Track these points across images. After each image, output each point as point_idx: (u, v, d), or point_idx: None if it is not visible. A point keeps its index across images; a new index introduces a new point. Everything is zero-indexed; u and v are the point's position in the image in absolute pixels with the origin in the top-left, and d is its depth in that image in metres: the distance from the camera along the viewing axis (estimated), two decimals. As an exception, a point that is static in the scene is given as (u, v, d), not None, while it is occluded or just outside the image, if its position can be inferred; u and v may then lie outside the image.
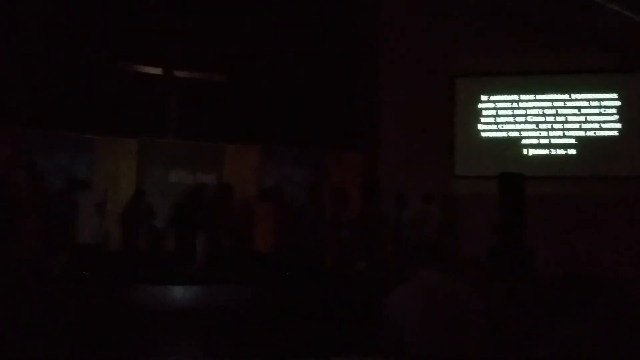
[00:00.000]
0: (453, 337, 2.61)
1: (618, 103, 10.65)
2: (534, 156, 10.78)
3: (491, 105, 11.08)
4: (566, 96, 10.83)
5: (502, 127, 11.01)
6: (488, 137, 11.06)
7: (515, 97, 11.02)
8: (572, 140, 10.78)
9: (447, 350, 2.59)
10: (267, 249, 8.69)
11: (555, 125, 10.85)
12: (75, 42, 9.78)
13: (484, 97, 11.12)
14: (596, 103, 10.73)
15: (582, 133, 10.76)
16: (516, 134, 10.97)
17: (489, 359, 2.79)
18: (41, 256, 7.60)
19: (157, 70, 9.93)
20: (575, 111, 10.80)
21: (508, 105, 11.03)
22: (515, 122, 10.98)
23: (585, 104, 10.78)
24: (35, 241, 7.65)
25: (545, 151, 10.83)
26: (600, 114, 10.71)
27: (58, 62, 9.66)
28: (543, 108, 10.90)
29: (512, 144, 10.93)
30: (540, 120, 10.89)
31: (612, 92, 10.68)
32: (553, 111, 10.87)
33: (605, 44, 10.40)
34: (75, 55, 9.80)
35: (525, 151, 10.86)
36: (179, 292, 7.22)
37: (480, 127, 11.06)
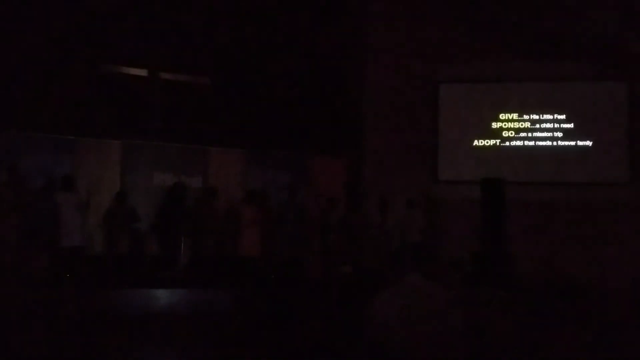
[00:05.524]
0: (435, 342, 2.65)
1: (595, 111, 10.85)
2: (515, 162, 10.92)
3: (473, 111, 11.21)
4: (547, 103, 11.01)
5: (485, 132, 11.14)
6: (470, 142, 11.18)
7: (497, 103, 11.17)
8: (552, 147, 10.95)
9: (428, 355, 2.62)
10: (252, 253, 8.67)
11: (536, 132, 11.02)
12: (59, 43, 9.69)
13: (466, 103, 11.25)
14: (574, 111, 10.92)
15: (561, 140, 10.93)
16: (498, 139, 11.11)
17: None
18: (22, 258, 7.52)
19: (142, 72, 9.87)
20: (555, 117, 10.98)
21: (490, 111, 11.17)
22: (497, 128, 11.13)
23: (565, 111, 10.96)
24: (16, 243, 7.56)
25: (526, 157, 10.98)
26: (578, 121, 10.90)
27: (41, 63, 9.55)
28: (524, 114, 11.07)
29: (494, 150, 11.08)
30: (521, 127, 11.06)
31: (590, 100, 10.88)
32: (534, 117, 11.04)
33: (584, 54, 10.59)
34: (59, 56, 9.70)
35: (506, 157, 11.00)
36: (162, 296, 7.19)
37: (462, 132, 11.18)
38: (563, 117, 10.95)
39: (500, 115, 11.12)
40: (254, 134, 10.50)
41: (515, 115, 11.08)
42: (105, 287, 7.19)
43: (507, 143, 11.07)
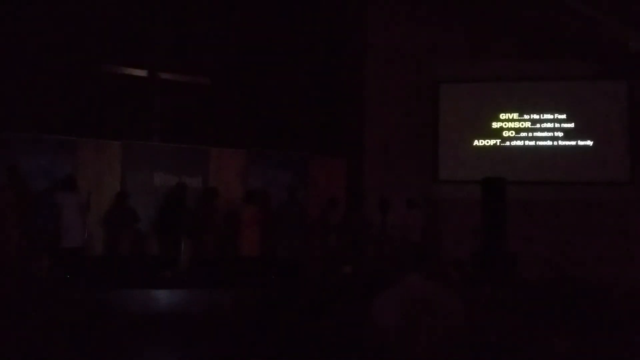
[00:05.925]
0: (435, 342, 2.65)
1: (597, 110, 10.85)
2: (515, 162, 10.93)
3: (474, 110, 11.22)
4: (547, 102, 11.01)
5: (485, 132, 11.15)
6: (471, 142, 11.18)
7: (497, 103, 11.17)
8: (552, 146, 10.96)
9: (429, 355, 2.62)
10: (252, 253, 8.67)
11: (536, 132, 11.02)
12: (59, 44, 9.69)
13: (467, 103, 11.25)
14: (576, 110, 10.92)
15: (562, 140, 10.93)
16: (498, 139, 11.12)
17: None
18: (23, 259, 7.53)
19: (142, 73, 9.87)
20: (556, 117, 10.98)
21: (490, 111, 11.18)
22: (497, 128, 11.13)
23: (565, 110, 10.97)
24: (17, 244, 7.56)
25: (526, 157, 10.99)
26: (579, 120, 10.90)
27: (42, 64, 9.56)
28: (524, 114, 11.07)
29: (494, 150, 11.08)
30: (521, 127, 11.06)
31: (590, 99, 10.88)
32: (534, 117, 11.04)
33: (584, 53, 10.60)
34: (60, 57, 9.71)
35: (506, 157, 11.00)
36: (163, 297, 7.19)
37: (462, 132, 11.19)
38: (563, 116, 10.95)
39: (501, 115, 11.12)
40: (254, 134, 10.51)
41: (515, 115, 11.08)
42: (105, 287, 7.19)
43: (508, 143, 11.07)
